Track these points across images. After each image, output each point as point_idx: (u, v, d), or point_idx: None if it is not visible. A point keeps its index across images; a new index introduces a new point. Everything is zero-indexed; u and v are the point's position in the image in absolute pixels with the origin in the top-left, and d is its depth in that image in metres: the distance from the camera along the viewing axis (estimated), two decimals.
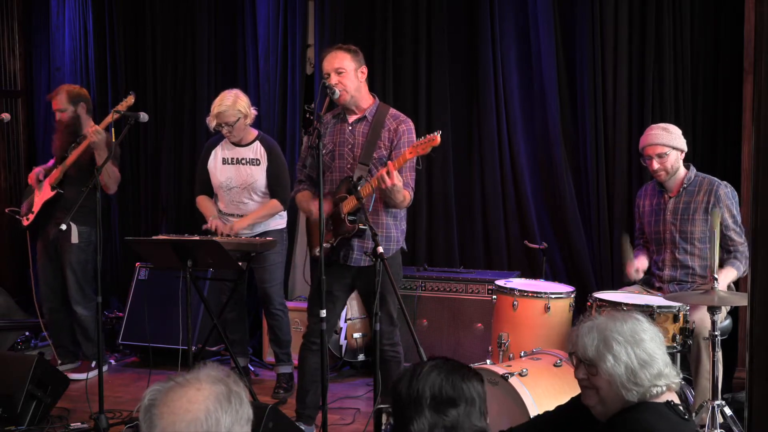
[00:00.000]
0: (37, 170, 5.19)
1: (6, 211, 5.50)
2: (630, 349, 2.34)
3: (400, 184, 3.67)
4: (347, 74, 3.82)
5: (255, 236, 4.72)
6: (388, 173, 3.60)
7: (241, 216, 4.74)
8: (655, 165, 4.10)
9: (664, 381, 2.33)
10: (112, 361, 5.51)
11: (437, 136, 3.58)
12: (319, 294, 3.51)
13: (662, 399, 2.35)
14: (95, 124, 5.02)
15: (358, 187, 3.70)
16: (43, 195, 5.05)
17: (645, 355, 2.33)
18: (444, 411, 2.04)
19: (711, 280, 3.51)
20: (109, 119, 4.81)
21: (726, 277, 3.92)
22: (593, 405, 2.44)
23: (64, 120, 5.05)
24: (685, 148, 4.15)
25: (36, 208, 5.06)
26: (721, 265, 3.99)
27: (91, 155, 4.90)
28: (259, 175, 4.74)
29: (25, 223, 5.14)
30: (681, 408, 2.36)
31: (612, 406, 2.38)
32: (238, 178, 4.76)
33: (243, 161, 4.76)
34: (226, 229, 4.58)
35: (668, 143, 4.08)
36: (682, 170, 4.16)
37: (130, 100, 4.66)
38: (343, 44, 3.97)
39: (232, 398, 1.76)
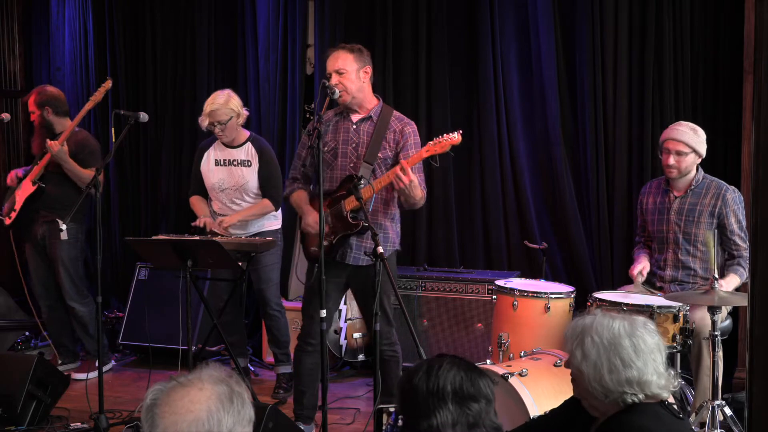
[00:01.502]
0: (16, 171, 5.22)
1: None
2: (602, 351, 2.32)
3: (417, 180, 3.69)
4: (348, 75, 3.82)
5: (250, 237, 4.72)
6: (403, 171, 3.60)
7: None
8: (671, 160, 4.07)
9: (639, 389, 2.29)
10: (113, 361, 5.51)
11: (459, 136, 3.59)
12: (319, 294, 3.51)
13: (654, 400, 2.35)
14: (78, 123, 5.04)
15: (359, 188, 3.70)
16: (24, 191, 5.05)
17: (618, 361, 2.30)
18: (467, 405, 2.03)
19: (711, 281, 3.52)
20: (87, 108, 4.88)
21: (729, 284, 3.91)
22: (578, 397, 2.47)
23: (35, 121, 5.13)
24: (704, 155, 4.13)
25: (18, 206, 5.06)
26: (724, 271, 3.99)
27: (69, 151, 4.92)
28: (250, 177, 4.75)
29: (8, 222, 5.14)
30: (675, 407, 2.36)
31: (593, 402, 2.39)
32: (230, 179, 4.77)
33: (235, 163, 4.77)
34: (215, 226, 4.57)
35: (691, 144, 4.06)
36: (693, 171, 4.15)
37: (108, 84, 4.73)
38: (347, 44, 3.96)
39: (234, 399, 1.76)
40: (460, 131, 3.64)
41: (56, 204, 4.92)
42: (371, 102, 3.93)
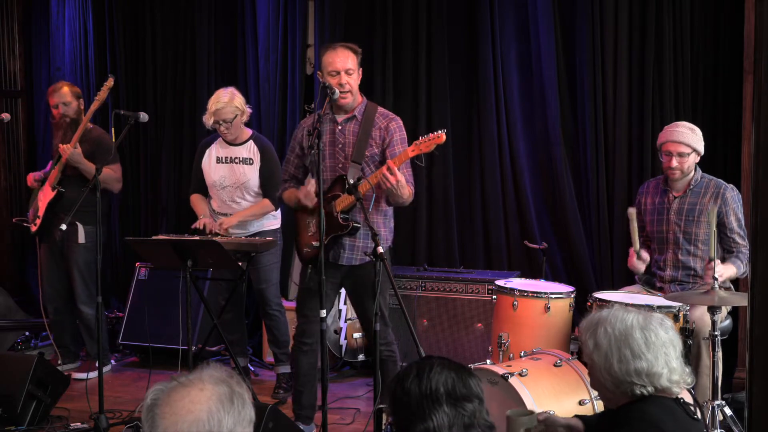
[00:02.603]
0: (33, 175, 5.20)
1: (14, 221, 5.56)
2: (613, 341, 2.36)
3: (404, 180, 3.69)
4: (354, 75, 3.84)
5: (250, 236, 4.72)
6: (390, 171, 3.60)
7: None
8: (674, 163, 4.05)
9: (648, 381, 2.32)
10: (113, 361, 5.51)
11: (443, 135, 3.60)
12: (317, 294, 3.52)
13: (671, 395, 2.36)
14: (90, 122, 5.04)
15: (357, 187, 3.70)
16: (45, 197, 5.06)
17: (627, 352, 2.34)
18: (462, 406, 2.03)
19: (710, 279, 3.52)
20: (93, 108, 4.86)
21: (726, 271, 3.90)
22: (592, 387, 2.51)
23: (69, 114, 5.05)
24: (703, 152, 4.12)
25: (41, 212, 5.07)
26: (722, 262, 3.99)
27: (86, 151, 4.90)
28: (251, 175, 4.75)
29: (33, 229, 5.15)
30: (691, 407, 2.37)
31: (605, 393, 2.43)
32: (231, 177, 4.77)
33: (236, 160, 4.77)
34: (215, 227, 4.58)
35: (692, 144, 4.04)
36: (692, 171, 4.15)
37: (110, 82, 4.71)
38: (347, 43, 3.94)
39: (234, 399, 1.76)
40: (444, 130, 3.64)
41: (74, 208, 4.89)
42: (357, 101, 3.94)
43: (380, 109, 3.96)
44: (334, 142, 3.91)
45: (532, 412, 2.56)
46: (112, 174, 5.00)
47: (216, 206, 4.84)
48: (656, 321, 2.41)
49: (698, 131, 4.10)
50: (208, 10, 5.99)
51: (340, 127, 3.91)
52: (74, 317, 5.24)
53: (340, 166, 3.88)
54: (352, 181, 3.75)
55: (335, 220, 3.82)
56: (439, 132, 3.62)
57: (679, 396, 2.38)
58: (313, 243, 3.84)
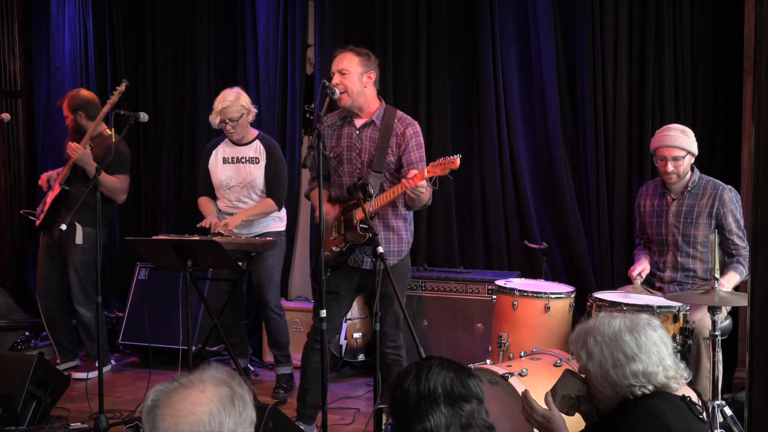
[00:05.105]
0: (49, 173, 5.22)
1: (21, 212, 5.58)
2: (605, 348, 2.38)
3: (427, 196, 3.73)
4: (350, 76, 3.81)
5: (254, 237, 4.72)
6: (414, 183, 3.59)
7: None
8: (670, 167, 4.04)
9: (646, 380, 2.34)
10: (113, 361, 5.51)
11: (457, 160, 3.57)
12: (327, 293, 3.52)
13: (672, 391, 2.37)
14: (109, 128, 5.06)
15: (366, 200, 3.68)
16: (53, 193, 5.09)
17: (621, 355, 2.35)
18: (459, 406, 2.04)
19: (712, 281, 3.52)
20: (103, 111, 4.89)
21: (729, 282, 3.91)
22: (595, 402, 2.49)
23: (69, 125, 5.12)
24: (697, 153, 4.11)
25: (46, 207, 5.10)
26: (723, 269, 3.99)
27: (97, 156, 4.92)
28: (258, 174, 4.75)
29: (37, 223, 5.17)
30: (698, 408, 2.37)
31: (607, 402, 2.43)
32: (238, 176, 4.77)
33: (243, 160, 4.77)
34: (220, 226, 4.57)
35: (686, 147, 4.03)
36: (689, 172, 4.14)
37: (123, 87, 4.72)
38: (356, 47, 3.93)
39: (235, 400, 1.76)
40: (459, 155, 3.61)
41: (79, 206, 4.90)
42: (373, 105, 3.91)
43: (399, 114, 3.91)
44: (351, 147, 3.89)
45: (586, 381, 2.57)
46: (117, 184, 5.02)
47: (223, 207, 4.84)
48: (644, 322, 2.42)
49: (690, 132, 4.09)
50: (208, 10, 5.99)
51: (357, 132, 3.89)
52: (67, 315, 5.25)
53: (357, 171, 3.87)
54: (373, 192, 3.73)
55: (354, 230, 3.80)
56: (454, 157, 3.58)
57: (686, 395, 2.39)
58: (333, 248, 3.85)
